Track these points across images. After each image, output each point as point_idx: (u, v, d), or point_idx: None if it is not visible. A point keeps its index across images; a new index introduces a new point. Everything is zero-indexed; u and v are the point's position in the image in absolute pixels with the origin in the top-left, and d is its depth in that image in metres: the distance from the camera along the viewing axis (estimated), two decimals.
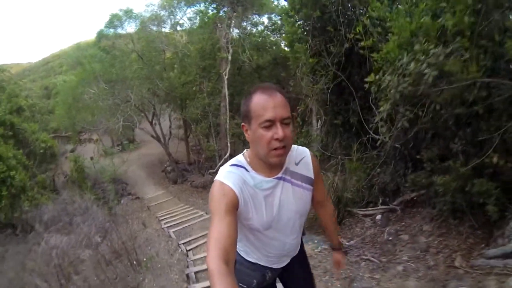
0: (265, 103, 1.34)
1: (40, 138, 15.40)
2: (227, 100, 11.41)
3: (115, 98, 13.92)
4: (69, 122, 16.69)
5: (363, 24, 4.91)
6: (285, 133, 1.34)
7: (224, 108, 11.79)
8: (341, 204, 5.39)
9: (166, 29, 15.66)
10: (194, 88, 13.19)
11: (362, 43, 4.78)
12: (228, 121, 11.68)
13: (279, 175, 1.52)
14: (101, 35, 16.39)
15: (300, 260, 1.93)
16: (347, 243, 4.69)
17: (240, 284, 1.72)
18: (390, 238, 4.32)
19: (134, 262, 5.71)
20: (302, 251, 1.94)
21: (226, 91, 11.39)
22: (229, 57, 11.47)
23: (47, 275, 5.55)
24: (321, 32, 6.00)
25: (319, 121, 6.79)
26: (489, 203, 3.39)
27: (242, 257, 1.76)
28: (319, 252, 4.59)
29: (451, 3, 3.09)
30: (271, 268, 1.76)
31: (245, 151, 1.58)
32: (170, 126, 18.51)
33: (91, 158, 17.68)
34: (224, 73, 11.35)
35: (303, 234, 1.92)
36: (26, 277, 5.82)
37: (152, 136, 15.91)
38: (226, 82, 11.33)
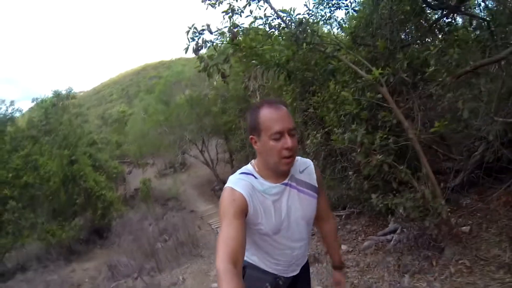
0: (273, 116, 1.43)
1: (112, 165, 19.61)
2: None
3: (174, 136, 17.51)
4: (138, 153, 20.87)
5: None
6: (293, 143, 1.42)
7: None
8: None
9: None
10: (233, 126, 16.14)
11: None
12: None
13: (286, 181, 1.57)
14: (160, 92, 20.31)
15: (306, 271, 1.91)
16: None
17: None
18: (339, 227, 7.01)
19: (195, 245, 9.04)
20: (307, 267, 1.93)
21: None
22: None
23: (139, 256, 8.92)
24: (304, 98, 8.72)
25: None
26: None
27: (252, 263, 1.73)
28: None
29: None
30: (283, 276, 1.74)
31: (252, 161, 1.63)
32: (217, 153, 21.73)
33: (149, 180, 20.82)
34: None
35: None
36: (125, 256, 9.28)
37: (202, 162, 19.08)
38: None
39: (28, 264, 11.29)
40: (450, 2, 4.27)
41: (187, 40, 4.09)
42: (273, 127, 1.41)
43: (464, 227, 3.83)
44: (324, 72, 4.48)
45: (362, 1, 5.29)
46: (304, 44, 3.70)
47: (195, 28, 4.05)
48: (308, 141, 5.55)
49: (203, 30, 4.02)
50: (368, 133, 4.08)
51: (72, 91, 18.79)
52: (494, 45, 4.03)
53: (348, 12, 5.51)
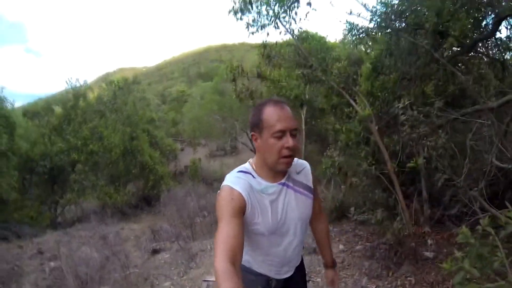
0: (277, 114, 1.45)
1: (166, 143, 21.38)
2: (304, 133, 15.27)
3: (226, 124, 18.87)
4: (192, 135, 22.86)
5: None
6: (294, 142, 1.45)
7: (301, 137, 15.75)
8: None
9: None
10: None
11: None
12: (304, 146, 15.59)
13: (283, 181, 1.60)
14: (217, 83, 21.65)
15: (301, 272, 1.93)
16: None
17: None
18: (349, 230, 7.66)
19: None
20: (301, 263, 1.93)
21: (303, 126, 15.32)
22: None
23: (178, 225, 10.18)
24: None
25: None
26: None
27: (244, 265, 1.73)
28: None
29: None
30: (275, 278, 1.77)
31: (250, 159, 1.67)
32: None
33: (199, 160, 22.44)
34: (302, 113, 15.38)
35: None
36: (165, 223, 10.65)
37: (250, 149, 20.38)
38: (303, 119, 15.27)
39: (84, 219, 13.21)
40: (468, 40, 4.45)
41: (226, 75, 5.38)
42: (275, 125, 1.44)
43: (429, 253, 4.50)
44: (328, 105, 5.30)
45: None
46: (307, 86, 4.60)
47: (232, 66, 5.23)
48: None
49: (238, 67, 5.22)
50: (365, 157, 4.89)
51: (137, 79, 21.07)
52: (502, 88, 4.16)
53: (375, 39, 5.69)
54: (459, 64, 5.03)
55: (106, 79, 25.22)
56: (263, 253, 1.69)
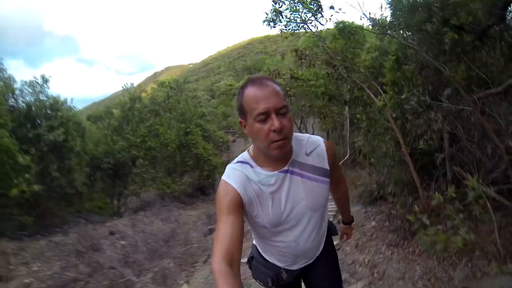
0: (256, 95, 1.27)
1: (218, 135, 22.48)
2: (348, 121, 15.65)
3: None
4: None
5: None
6: (282, 123, 1.24)
7: (346, 125, 16.20)
8: None
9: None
10: (326, 110, 17.67)
11: None
12: (348, 134, 16.01)
13: (285, 168, 1.41)
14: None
15: (326, 259, 1.75)
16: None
17: (257, 280, 1.73)
18: (386, 210, 8.32)
19: None
20: (328, 250, 1.75)
21: (346, 113, 15.70)
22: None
23: None
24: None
25: None
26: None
27: (259, 253, 1.69)
28: None
29: None
30: (287, 269, 1.65)
31: (250, 146, 1.47)
32: (313, 131, 23.43)
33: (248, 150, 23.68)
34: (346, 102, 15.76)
35: (334, 233, 1.80)
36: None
37: None
38: (347, 109, 15.64)
39: (144, 207, 14.77)
40: (478, 26, 4.49)
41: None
42: (256, 108, 1.26)
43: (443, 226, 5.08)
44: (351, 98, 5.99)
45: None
46: (331, 85, 5.30)
47: (270, 71, 6.11)
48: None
49: (274, 71, 6.16)
50: (389, 140, 5.49)
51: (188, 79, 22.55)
52: None
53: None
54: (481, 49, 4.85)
55: (154, 79, 27.13)
56: (272, 244, 1.58)
